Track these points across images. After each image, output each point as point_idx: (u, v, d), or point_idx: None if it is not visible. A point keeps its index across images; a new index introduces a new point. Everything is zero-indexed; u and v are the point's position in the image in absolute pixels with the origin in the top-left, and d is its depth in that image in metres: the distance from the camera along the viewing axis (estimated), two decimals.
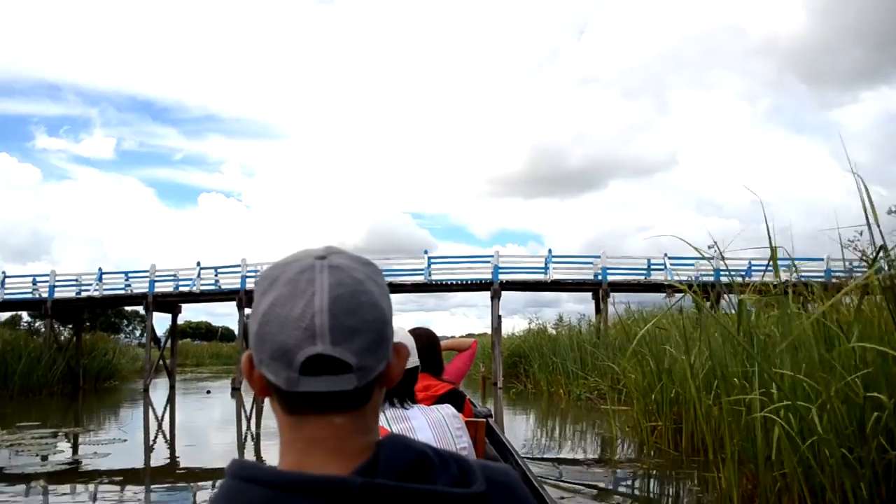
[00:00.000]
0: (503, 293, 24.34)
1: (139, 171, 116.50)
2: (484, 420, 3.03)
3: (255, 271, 23.39)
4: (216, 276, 25.49)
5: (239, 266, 24.40)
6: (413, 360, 2.03)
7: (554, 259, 24.72)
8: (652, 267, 24.35)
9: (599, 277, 24.32)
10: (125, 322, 65.14)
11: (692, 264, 20.10)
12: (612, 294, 23.49)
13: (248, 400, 18.78)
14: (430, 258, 24.71)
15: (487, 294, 24.25)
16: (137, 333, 72.13)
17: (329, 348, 0.66)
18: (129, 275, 25.99)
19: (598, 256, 24.74)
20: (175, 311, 26.75)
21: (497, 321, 24.13)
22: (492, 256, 24.79)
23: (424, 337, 2.73)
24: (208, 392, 23.31)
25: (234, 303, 24.38)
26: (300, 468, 0.68)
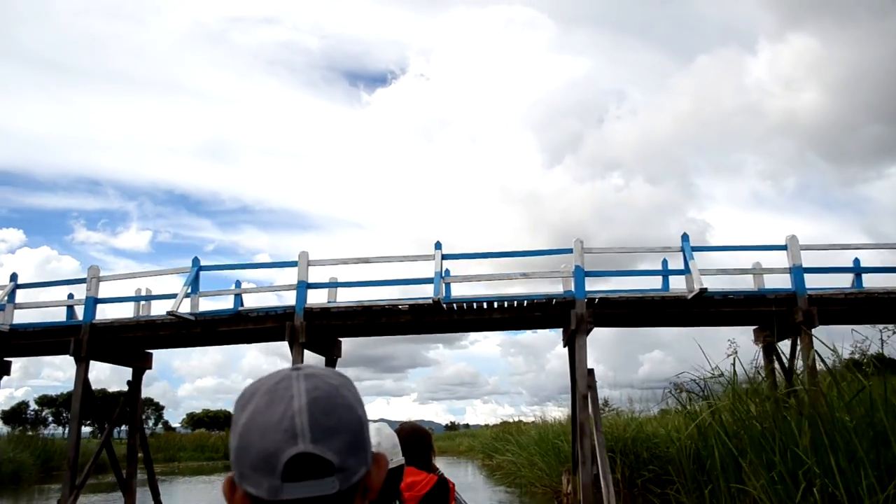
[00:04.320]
0: (593, 327, 12.09)
1: (173, 261, 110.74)
2: None
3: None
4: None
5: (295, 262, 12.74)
6: (398, 459, 2.12)
7: (697, 249, 12.48)
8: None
9: (793, 288, 12.03)
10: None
11: None
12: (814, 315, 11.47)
13: None
14: (444, 254, 12.69)
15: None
16: (152, 422, 64.74)
17: (310, 446, 0.71)
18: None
19: (784, 248, 12.44)
20: (139, 362, 14.85)
21: (588, 382, 11.80)
22: (567, 251, 12.67)
23: (408, 429, 2.68)
24: None
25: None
26: None
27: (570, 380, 13.60)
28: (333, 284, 13.08)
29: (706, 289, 11.51)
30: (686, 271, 12.30)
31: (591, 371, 11.95)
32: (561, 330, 14.25)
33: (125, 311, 14.00)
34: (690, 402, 10.95)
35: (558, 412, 21.38)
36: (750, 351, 13.07)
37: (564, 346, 14.02)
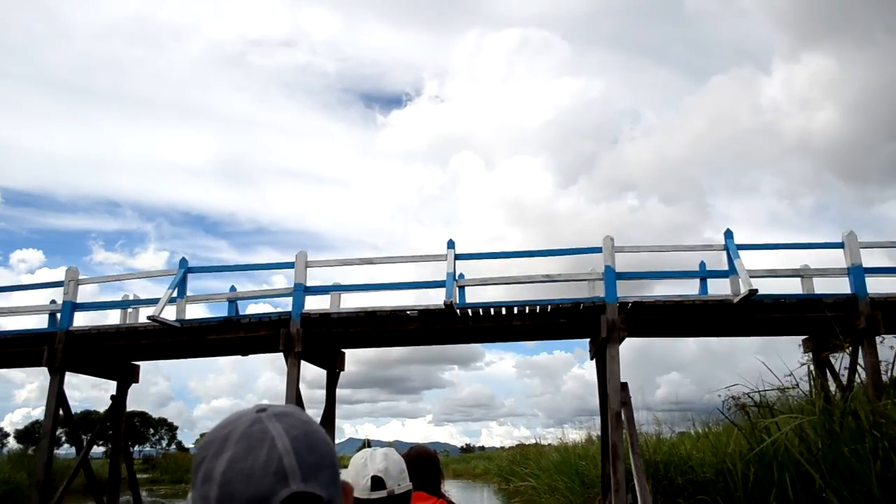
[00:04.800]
0: (625, 335, 10.69)
1: (189, 283, 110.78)
2: None
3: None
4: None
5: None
6: (405, 484, 2.02)
7: (743, 248, 11.09)
8: None
9: (852, 291, 10.61)
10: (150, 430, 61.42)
11: None
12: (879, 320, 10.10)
13: None
14: (458, 254, 11.38)
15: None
16: (165, 443, 64.41)
17: (302, 485, 0.72)
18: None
19: (840, 245, 11.03)
20: (124, 375, 13.62)
21: (621, 398, 10.41)
22: (595, 250, 11.32)
23: (416, 454, 2.58)
24: None
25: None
26: None
27: (598, 396, 12.16)
28: (334, 288, 11.79)
29: (756, 290, 10.09)
30: (730, 272, 10.90)
31: (624, 385, 10.53)
32: (588, 341, 12.85)
33: (113, 321, 12.83)
34: (751, 418, 9.46)
35: (577, 433, 19.84)
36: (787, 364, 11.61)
37: (592, 359, 12.61)
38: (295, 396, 10.87)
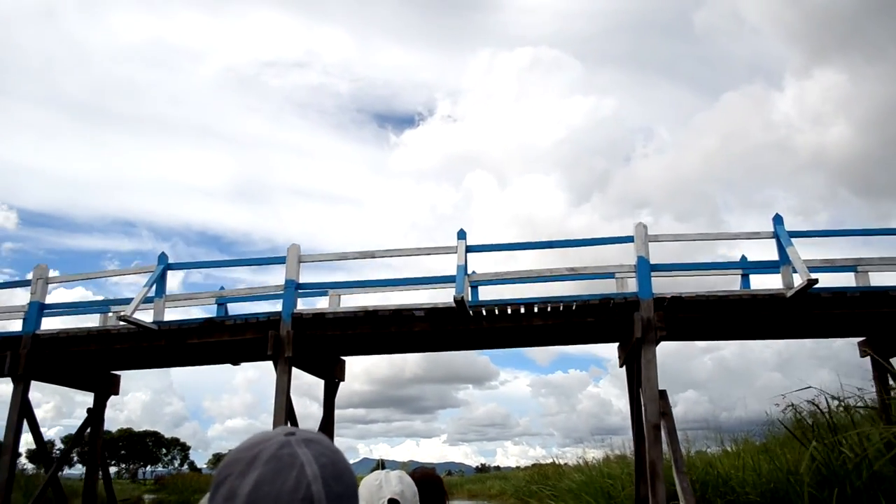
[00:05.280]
0: (663, 336, 9.29)
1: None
2: None
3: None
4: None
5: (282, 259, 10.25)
6: None
7: (796, 235, 9.72)
8: None
9: None
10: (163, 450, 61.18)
11: None
12: None
13: None
14: (470, 246, 10.07)
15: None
16: (177, 463, 63.56)
17: None
18: None
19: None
20: (103, 387, 12.35)
21: (660, 408, 9.02)
22: (625, 239, 9.99)
23: (420, 476, 2.46)
24: None
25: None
26: None
27: (630, 408, 10.74)
28: (330, 285, 10.47)
29: (816, 280, 8.67)
30: (781, 262, 9.50)
31: (663, 393, 9.12)
32: (616, 346, 11.45)
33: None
34: (820, 430, 7.99)
35: (596, 452, 18.28)
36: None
37: (622, 366, 11.20)
38: (285, 408, 9.54)
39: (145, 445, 63.49)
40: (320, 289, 10.44)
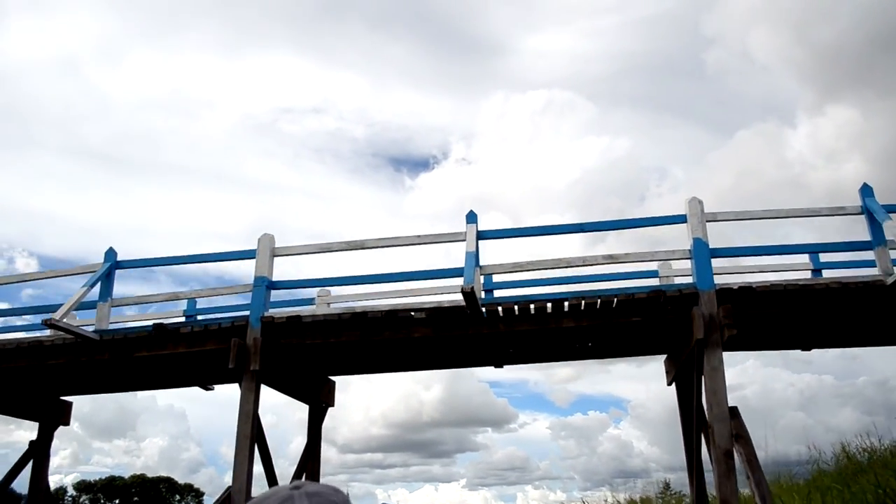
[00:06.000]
0: (731, 332, 7.19)
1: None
2: None
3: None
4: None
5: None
6: None
7: (892, 209, 7.67)
8: None
9: None
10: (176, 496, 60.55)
11: None
12: None
13: None
14: (482, 231, 8.13)
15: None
16: None
17: None
18: None
19: None
20: (51, 415, 10.45)
21: (732, 429, 6.88)
22: (676, 219, 7.99)
23: None
24: None
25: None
26: None
27: (682, 433, 8.64)
28: (311, 282, 8.53)
29: None
30: (875, 242, 7.47)
31: (734, 411, 7.01)
32: (664, 358, 9.39)
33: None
34: None
35: (621, 495, 15.98)
36: None
37: (671, 383, 9.13)
38: (250, 436, 7.52)
39: (159, 492, 61.62)
40: (298, 287, 8.51)
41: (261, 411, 7.90)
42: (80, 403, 10.72)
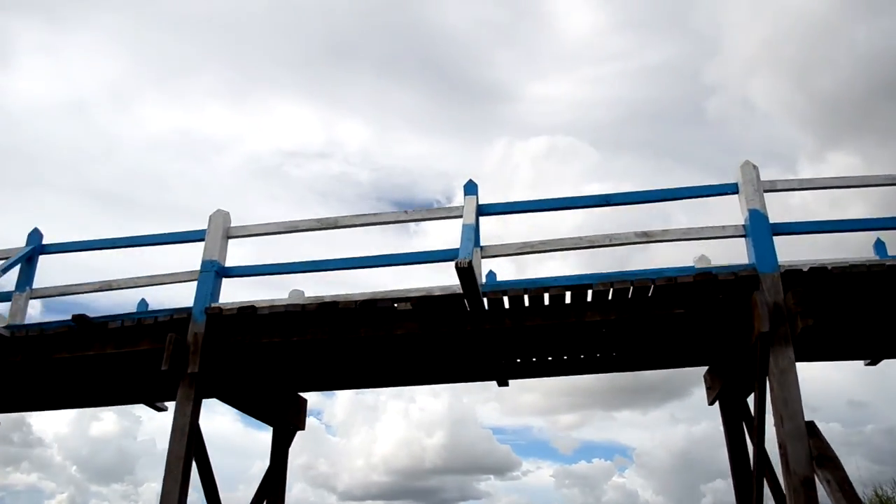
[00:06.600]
0: (808, 323, 5.55)
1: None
2: None
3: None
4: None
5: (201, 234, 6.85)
6: None
7: None
8: None
9: None
10: None
11: None
12: None
13: None
14: (483, 205, 6.59)
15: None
16: None
17: None
18: None
19: None
20: None
21: (815, 446, 5.16)
22: (725, 189, 6.42)
23: None
24: None
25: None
26: None
27: (730, 461, 6.92)
28: (271, 269, 6.94)
29: None
30: None
31: (812, 427, 5.34)
32: (705, 371, 7.76)
33: None
34: None
35: None
36: None
37: (713, 402, 7.47)
38: (183, 458, 5.86)
39: None
40: (258, 273, 6.93)
41: (231, 435, 6.24)
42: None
